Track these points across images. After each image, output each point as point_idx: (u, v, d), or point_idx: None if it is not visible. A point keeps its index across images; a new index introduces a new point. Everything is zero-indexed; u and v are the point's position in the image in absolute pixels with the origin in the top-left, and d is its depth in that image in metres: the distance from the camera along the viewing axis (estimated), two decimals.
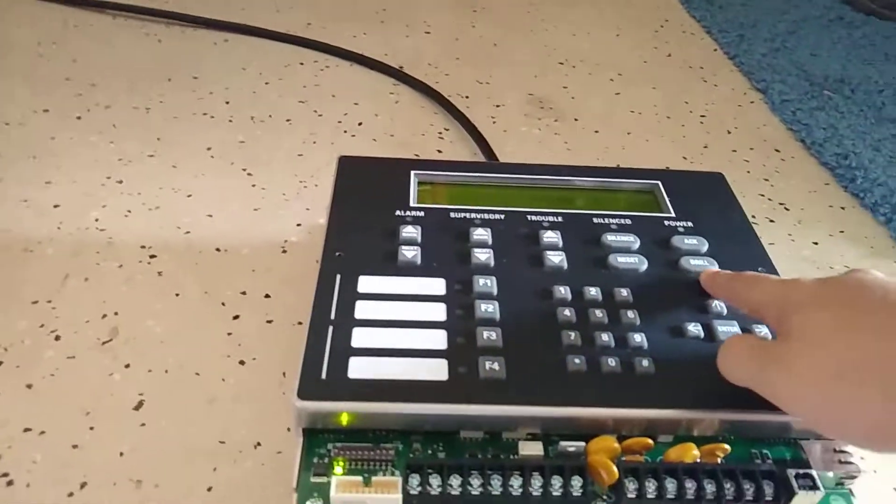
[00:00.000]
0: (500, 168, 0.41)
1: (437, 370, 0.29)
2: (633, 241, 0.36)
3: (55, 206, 0.48)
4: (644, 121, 0.62)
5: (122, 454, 0.34)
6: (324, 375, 0.29)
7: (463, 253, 0.35)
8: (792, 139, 0.61)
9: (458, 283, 0.33)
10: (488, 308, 0.32)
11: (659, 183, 0.40)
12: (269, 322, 0.41)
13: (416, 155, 0.55)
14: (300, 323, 0.41)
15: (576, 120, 0.61)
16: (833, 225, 0.52)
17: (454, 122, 0.59)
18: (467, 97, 0.63)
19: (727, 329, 0.32)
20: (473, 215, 0.37)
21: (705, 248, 0.36)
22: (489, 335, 0.30)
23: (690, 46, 0.74)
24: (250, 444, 0.35)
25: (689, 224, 0.38)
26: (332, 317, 0.31)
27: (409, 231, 0.35)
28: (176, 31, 0.70)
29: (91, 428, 0.35)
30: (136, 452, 0.34)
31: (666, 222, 0.38)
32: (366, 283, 0.33)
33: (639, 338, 0.31)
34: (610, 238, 0.36)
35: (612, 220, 0.37)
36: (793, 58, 0.69)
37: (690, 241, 0.36)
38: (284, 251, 0.46)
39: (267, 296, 0.43)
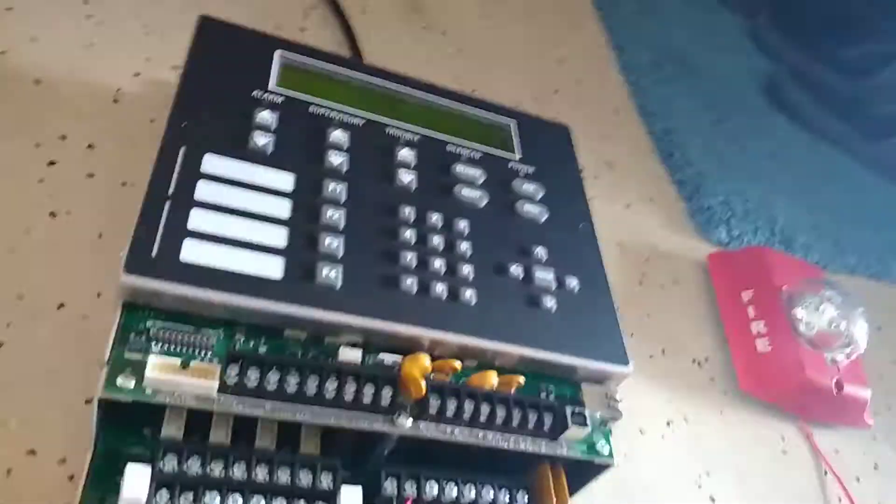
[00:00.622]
0: (368, 70, 0.40)
1: (272, 267, 0.29)
2: (478, 175, 0.38)
3: None
4: (508, 52, 0.63)
5: None
6: (154, 253, 0.28)
7: (318, 151, 0.34)
8: (630, 105, 0.65)
9: (309, 181, 0.33)
10: (334, 215, 0.32)
11: (513, 122, 0.42)
12: (91, 176, 0.38)
13: (277, 28, 0.52)
14: (125, 184, 0.39)
15: (443, 34, 0.61)
16: (646, 191, 0.58)
17: (324, 1, 0.56)
18: None
19: (543, 276, 0.35)
20: (334, 114, 0.36)
21: (541, 195, 0.39)
22: (331, 242, 0.31)
23: None
24: (53, 304, 0.33)
25: (531, 169, 0.40)
26: (171, 192, 0.30)
27: (265, 117, 0.34)
28: None
29: None
30: None
31: (510, 164, 0.40)
32: (211, 163, 0.31)
33: (467, 269, 0.33)
34: (459, 168, 0.37)
35: (463, 151, 0.39)
36: (650, 27, 0.73)
37: (529, 187, 0.39)
38: (116, 101, 0.42)
39: (90, 146, 0.39)
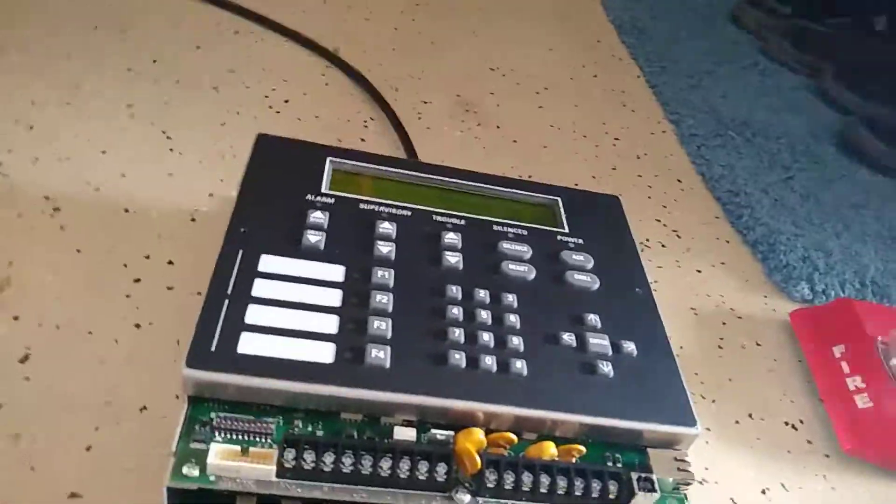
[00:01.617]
0: (414, 166, 0.42)
1: (324, 353, 0.31)
2: (525, 250, 0.38)
3: None
4: (561, 137, 0.65)
5: (0, 406, 0.34)
6: (214, 347, 0.30)
7: (367, 243, 0.36)
8: (693, 172, 0.65)
9: (358, 272, 0.35)
10: (382, 299, 0.33)
11: (559, 199, 0.43)
12: (170, 289, 0.42)
13: (339, 140, 0.56)
14: (200, 293, 0.42)
15: (497, 127, 0.63)
16: (717, 256, 0.57)
17: (381, 112, 0.60)
18: (397, 89, 0.64)
19: (597, 342, 0.34)
20: (382, 208, 0.39)
21: (591, 265, 0.39)
22: (379, 325, 0.32)
23: (616, 71, 0.78)
24: (136, 407, 0.36)
25: (580, 241, 0.40)
26: (230, 290, 0.32)
27: (317, 216, 0.37)
28: None
29: None
30: (16, 406, 0.34)
31: (559, 237, 0.40)
32: (267, 262, 0.34)
33: (517, 341, 0.33)
34: (505, 246, 0.38)
35: (510, 230, 0.40)
36: (706, 96, 0.74)
37: (578, 258, 0.39)
38: (193, 220, 0.46)
39: (170, 262, 0.43)
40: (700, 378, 0.46)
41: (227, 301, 0.32)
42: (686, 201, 0.61)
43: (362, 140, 0.57)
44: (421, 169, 0.42)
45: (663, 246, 0.56)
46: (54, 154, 0.48)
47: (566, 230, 0.41)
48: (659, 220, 0.58)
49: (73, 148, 0.49)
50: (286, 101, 0.59)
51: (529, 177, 0.58)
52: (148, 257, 0.43)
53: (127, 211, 0.46)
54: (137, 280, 0.42)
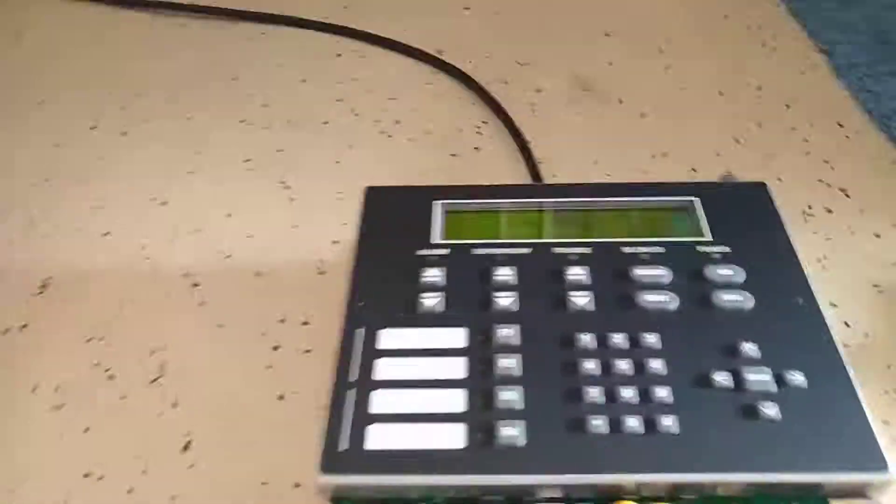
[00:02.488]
0: (526, 191, 0.39)
1: (454, 437, 0.29)
2: (663, 274, 0.35)
3: (104, 235, 0.50)
4: (694, 98, 0.58)
5: (173, 498, 0.36)
6: (343, 447, 0.29)
7: (486, 297, 0.34)
8: (858, 110, 0.56)
9: (480, 332, 0.33)
10: (508, 364, 0.31)
11: (696, 200, 0.38)
12: (307, 352, 0.42)
13: (453, 155, 0.54)
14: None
15: (620, 102, 0.58)
16: None
17: (492, 114, 0.57)
18: (506, 82, 0.60)
19: (757, 378, 0.30)
20: (497, 251, 0.36)
21: (741, 278, 0.34)
22: (508, 396, 0.30)
23: (749, 3, 0.69)
24: (290, 484, 0.37)
25: (726, 249, 0.36)
26: (353, 378, 0.31)
27: (431, 275, 0.35)
28: (213, 25, 0.69)
29: (143, 472, 0.37)
30: (186, 498, 0.36)
31: (700, 248, 0.36)
32: (386, 338, 0.33)
33: (664, 392, 0.30)
34: (639, 273, 0.35)
35: (642, 249, 0.36)
36: (864, 12, 0.63)
37: (725, 272, 0.34)
38: (321, 272, 0.47)
39: (305, 323, 0.44)
40: (894, 371, 0.40)
41: (351, 391, 0.31)
42: (852, 150, 0.53)
43: (476, 150, 0.55)
44: (534, 192, 0.40)
45: (829, 211, 0.49)
46: (187, 227, 0.50)
47: (708, 237, 0.36)
48: (821, 181, 0.51)
49: (202, 217, 0.51)
50: (397, 122, 0.57)
51: (664, 154, 0.53)
52: (283, 321, 0.44)
53: (258, 275, 0.47)
54: (276, 348, 0.43)
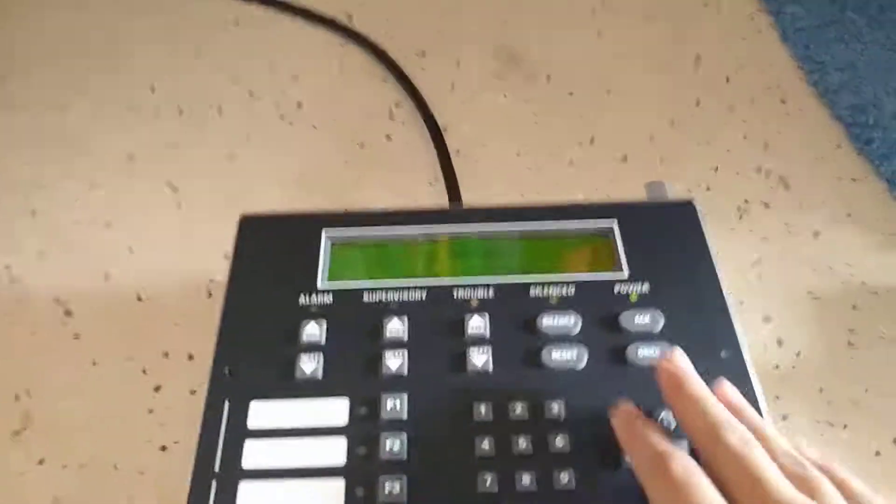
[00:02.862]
0: (426, 217, 0.35)
1: None
2: (572, 324, 0.31)
3: None
4: (628, 70, 0.53)
5: None
6: None
7: (374, 356, 0.30)
8: (802, 83, 0.52)
9: (364, 404, 0.29)
10: (393, 446, 0.27)
11: (614, 223, 0.34)
12: (193, 393, 0.38)
13: (361, 145, 0.49)
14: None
15: (548, 78, 0.53)
16: (840, 205, 0.45)
17: (406, 95, 0.51)
18: (424, 54, 0.54)
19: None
20: (390, 296, 0.32)
21: (660, 325, 0.31)
22: (391, 488, 0.27)
23: None
24: None
25: (645, 288, 0.32)
26: (217, 468, 0.27)
27: (312, 331, 0.31)
28: None
29: None
30: None
31: (616, 287, 0.32)
32: (257, 413, 0.29)
33: (566, 477, 0.27)
34: (546, 322, 0.31)
35: (552, 291, 0.32)
36: None
37: (642, 319, 0.31)
38: (210, 294, 0.42)
39: (190, 357, 0.39)
40: (826, 396, 0.38)
41: (214, 483, 0.27)
42: (794, 131, 0.49)
43: (388, 138, 0.49)
44: (432, 219, 0.35)
45: (767, 206, 0.45)
46: (60, 241, 0.44)
47: (625, 273, 0.32)
48: (759, 170, 0.47)
49: (78, 229, 0.45)
50: (299, 106, 0.51)
51: (592, 141, 0.49)
52: (167, 355, 0.39)
53: (140, 299, 0.42)
54: (158, 388, 0.38)
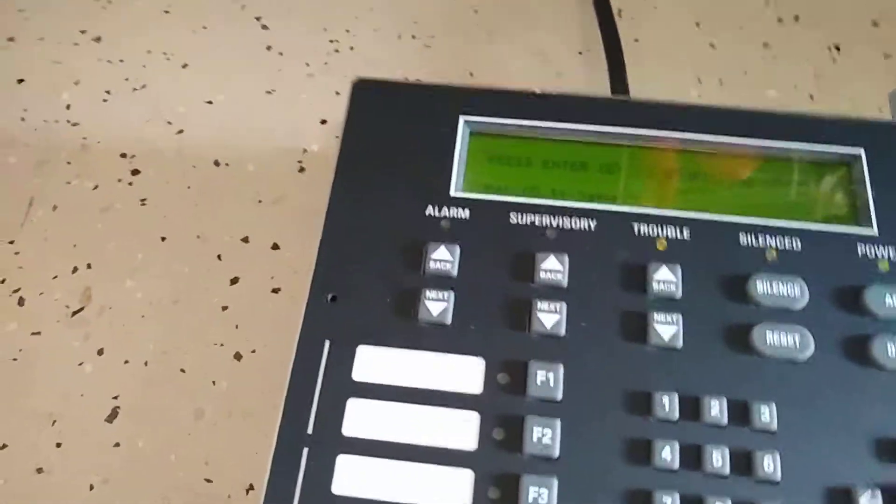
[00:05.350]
0: (606, 111, 0.25)
1: None
2: (796, 294, 0.22)
3: (18, 82, 0.37)
4: None
5: (92, 488, 0.28)
6: None
7: (521, 304, 0.23)
8: None
9: (506, 368, 0.22)
10: (543, 436, 0.21)
11: (861, 153, 0.25)
12: (276, 292, 0.32)
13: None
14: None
15: None
16: None
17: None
18: None
19: None
20: (547, 219, 0.24)
21: None
22: (538, 494, 0.20)
23: None
24: (241, 485, 0.28)
25: None
26: (310, 430, 0.21)
27: (441, 256, 0.23)
28: None
29: (58, 445, 0.29)
30: (108, 486, 0.28)
31: (860, 249, 0.23)
32: (365, 362, 0.22)
33: None
34: (759, 288, 0.22)
35: (769, 241, 0.23)
36: None
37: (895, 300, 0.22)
38: (302, 169, 0.34)
39: (275, 246, 0.33)
40: None
41: (305, 450, 0.21)
42: None
43: (558, 75, 0.39)
44: (616, 114, 0.26)
45: None
46: (127, 80, 0.37)
47: (873, 227, 0.23)
48: None
49: (148, 66, 0.37)
50: None
51: (797, 19, 0.37)
52: (246, 240, 0.33)
53: (217, 164, 0.34)
54: (235, 280, 0.32)
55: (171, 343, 0.30)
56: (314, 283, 0.23)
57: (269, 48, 0.38)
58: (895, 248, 0.23)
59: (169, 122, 0.35)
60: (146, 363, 0.30)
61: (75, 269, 0.32)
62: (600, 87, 0.34)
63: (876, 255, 0.23)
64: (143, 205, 0.33)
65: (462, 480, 0.20)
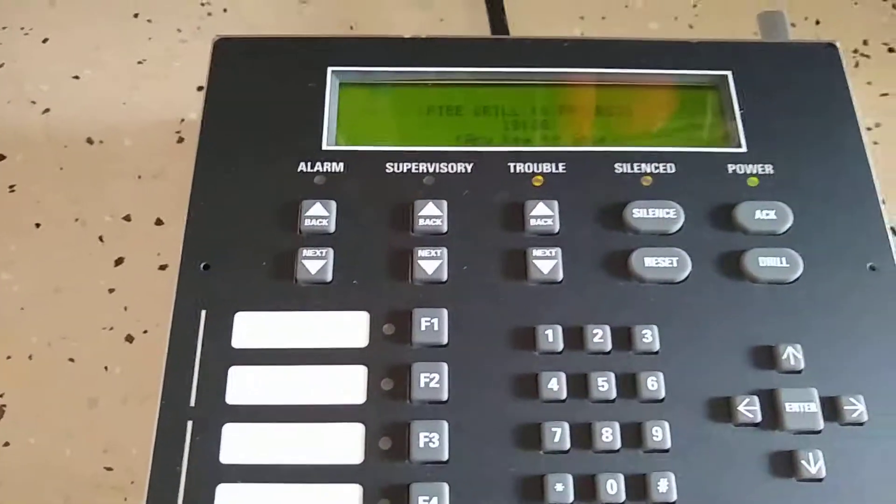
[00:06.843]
0: (478, 53, 0.25)
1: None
2: (672, 216, 0.23)
3: None
4: None
5: None
6: None
7: (401, 253, 0.22)
8: None
9: (390, 319, 0.21)
10: (430, 380, 0.20)
11: (728, 75, 0.25)
12: (163, 268, 0.30)
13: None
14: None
15: None
16: None
17: None
18: None
19: (800, 406, 0.20)
20: (423, 166, 0.23)
21: (787, 224, 0.23)
22: (428, 439, 0.20)
23: None
24: (143, 470, 0.27)
25: (769, 169, 0.23)
26: (192, 402, 0.20)
27: (316, 213, 0.22)
28: None
29: None
30: (2, 489, 0.27)
31: (730, 169, 0.24)
32: (245, 329, 0.21)
33: (658, 432, 0.20)
34: (636, 214, 0.23)
35: (643, 167, 0.23)
36: None
37: (765, 214, 0.23)
38: (181, 139, 0.33)
39: (159, 222, 0.31)
40: None
41: (189, 423, 0.20)
42: None
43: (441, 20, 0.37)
44: (488, 55, 0.25)
45: (892, 51, 0.35)
46: None
47: (741, 145, 0.24)
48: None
49: (7, 42, 0.35)
50: None
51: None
52: (128, 219, 0.31)
53: (91, 142, 0.33)
54: (119, 261, 0.30)
55: (57, 333, 0.29)
56: (184, 252, 0.22)
57: (136, 16, 0.36)
58: (763, 165, 0.24)
59: (33, 102, 0.33)
60: (30, 357, 0.29)
61: None
62: (484, 30, 0.34)
63: (745, 172, 0.23)
64: (12, 191, 0.32)
65: (353, 435, 0.20)
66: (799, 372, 0.21)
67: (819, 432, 0.20)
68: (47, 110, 0.33)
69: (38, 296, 0.30)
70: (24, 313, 0.29)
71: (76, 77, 0.34)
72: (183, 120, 0.33)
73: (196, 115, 0.33)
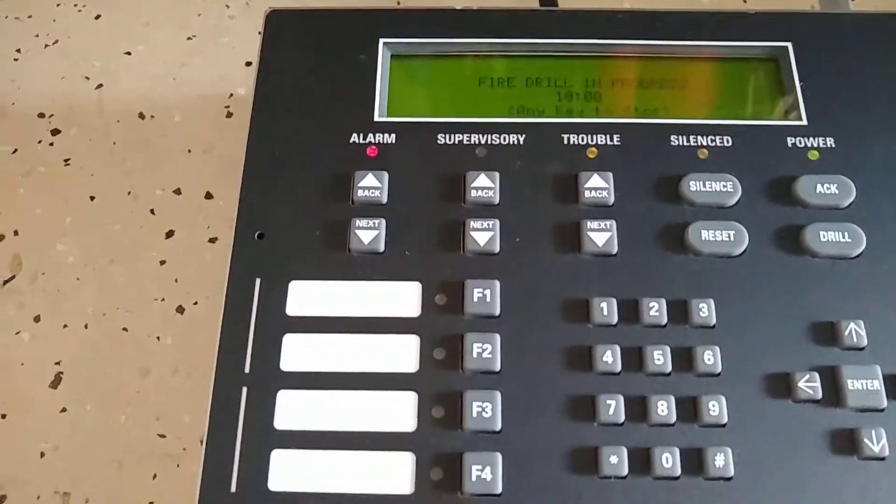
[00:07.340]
0: (520, 23, 0.25)
1: (398, 474, 0.19)
2: (729, 189, 0.22)
3: None
4: None
5: (42, 455, 0.28)
6: (234, 487, 0.19)
7: (453, 225, 0.22)
8: None
9: (442, 290, 0.21)
10: (483, 351, 0.20)
11: (789, 46, 0.24)
12: (213, 241, 0.31)
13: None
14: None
15: None
16: None
17: None
18: None
19: (862, 382, 0.20)
20: (475, 137, 0.23)
21: (848, 198, 0.22)
22: (481, 408, 0.20)
23: None
24: (195, 438, 0.28)
25: (830, 142, 0.23)
26: (247, 369, 0.21)
27: (369, 185, 0.22)
28: None
29: (3, 416, 0.28)
30: (59, 453, 0.28)
31: (790, 142, 0.23)
32: (299, 297, 0.21)
33: (714, 407, 0.20)
34: (692, 186, 0.22)
35: (699, 139, 0.23)
36: None
37: (826, 188, 0.22)
38: (230, 114, 0.33)
39: (209, 195, 0.32)
40: None
41: (244, 389, 0.20)
42: None
43: None
44: (538, 28, 0.25)
45: None
46: (38, 36, 0.35)
47: (802, 118, 0.23)
48: None
49: (61, 19, 0.35)
50: None
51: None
52: (178, 192, 0.32)
53: (142, 117, 0.33)
54: (170, 234, 0.31)
55: (111, 303, 0.30)
56: (238, 222, 0.22)
57: None
58: (824, 138, 0.23)
59: (87, 78, 0.34)
60: (86, 326, 0.29)
61: (2, 238, 0.31)
62: (533, 2, 0.34)
63: (806, 145, 0.23)
64: (67, 165, 0.32)
65: (406, 402, 0.20)
66: (861, 349, 0.20)
67: (882, 410, 0.20)
68: (100, 86, 0.34)
69: (93, 267, 0.30)
70: (79, 283, 0.30)
71: (128, 53, 0.34)
72: (231, 95, 0.33)
73: (244, 90, 0.34)
